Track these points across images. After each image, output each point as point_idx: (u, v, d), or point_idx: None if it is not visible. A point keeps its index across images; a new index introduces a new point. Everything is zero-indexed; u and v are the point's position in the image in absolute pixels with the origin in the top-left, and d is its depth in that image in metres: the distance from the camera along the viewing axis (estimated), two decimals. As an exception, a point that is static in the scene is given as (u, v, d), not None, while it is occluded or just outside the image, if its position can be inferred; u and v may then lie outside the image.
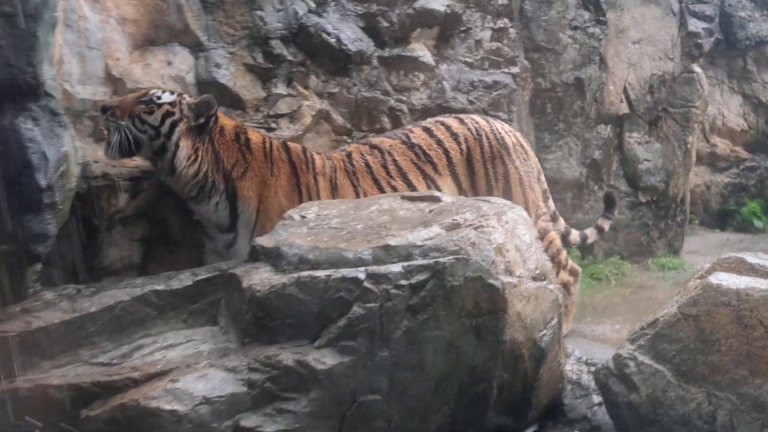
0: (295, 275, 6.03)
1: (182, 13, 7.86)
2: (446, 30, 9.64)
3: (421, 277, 5.94)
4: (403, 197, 7.22)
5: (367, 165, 7.94)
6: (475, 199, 7.32)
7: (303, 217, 6.83)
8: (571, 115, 11.26)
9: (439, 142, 8.13)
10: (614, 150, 11.58)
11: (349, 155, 7.98)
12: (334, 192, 7.80)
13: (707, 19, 12.32)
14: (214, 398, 5.65)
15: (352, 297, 5.90)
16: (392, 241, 6.16)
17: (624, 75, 11.57)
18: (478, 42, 9.94)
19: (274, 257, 6.26)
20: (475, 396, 6.12)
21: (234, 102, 8.28)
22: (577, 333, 8.25)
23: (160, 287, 6.42)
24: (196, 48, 8.07)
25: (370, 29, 9.07)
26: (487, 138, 8.26)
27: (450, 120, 8.35)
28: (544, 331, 6.39)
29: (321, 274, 6.00)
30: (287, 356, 5.83)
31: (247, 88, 8.37)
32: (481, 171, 8.23)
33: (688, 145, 12.01)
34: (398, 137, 8.13)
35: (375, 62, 9.08)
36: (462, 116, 8.49)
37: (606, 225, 9.79)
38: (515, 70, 10.11)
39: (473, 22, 9.89)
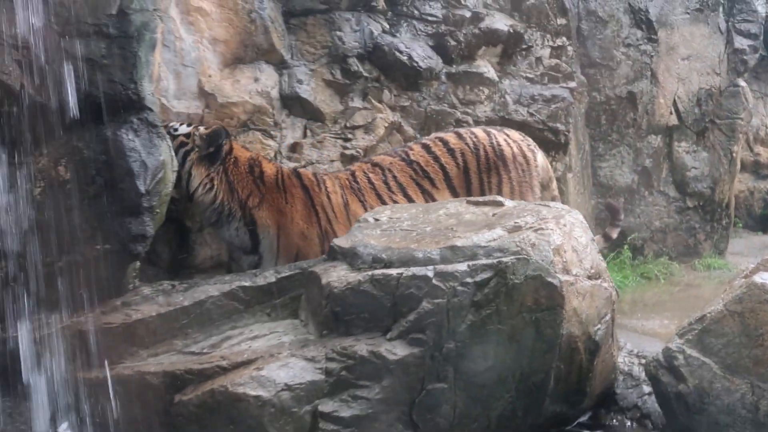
0: (370, 273, 6.04)
1: (268, 34, 7.89)
2: (509, 48, 9.59)
3: (485, 275, 5.92)
4: (469, 202, 7.20)
5: (370, 182, 7.79)
6: (536, 203, 7.27)
7: (376, 219, 6.83)
8: (623, 126, 11.18)
9: (436, 158, 7.94)
10: (664, 158, 11.46)
11: (353, 174, 7.81)
12: (346, 208, 7.73)
13: (752, 37, 12.14)
14: (295, 385, 5.67)
15: (422, 293, 5.88)
16: (458, 242, 6.14)
17: (673, 89, 11.45)
18: (538, 59, 9.88)
19: (350, 256, 6.26)
20: (533, 385, 6.09)
21: (314, 115, 8.30)
22: (629, 327, 8.17)
23: (246, 283, 6.44)
24: (281, 65, 8.10)
25: (439, 47, 9.05)
26: (485, 150, 8.05)
27: (448, 135, 8.13)
28: (599, 326, 6.34)
29: (393, 272, 5.99)
30: (362, 347, 5.84)
31: (327, 101, 8.38)
32: (477, 182, 8.04)
33: (734, 154, 11.86)
34: (398, 155, 7.95)
35: (443, 78, 9.06)
36: (462, 131, 8.30)
37: (614, 233, 9.54)
38: (572, 84, 10.03)
39: (534, 41, 9.83)
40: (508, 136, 8.25)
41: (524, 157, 8.30)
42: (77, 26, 6.11)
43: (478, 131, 8.25)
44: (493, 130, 8.26)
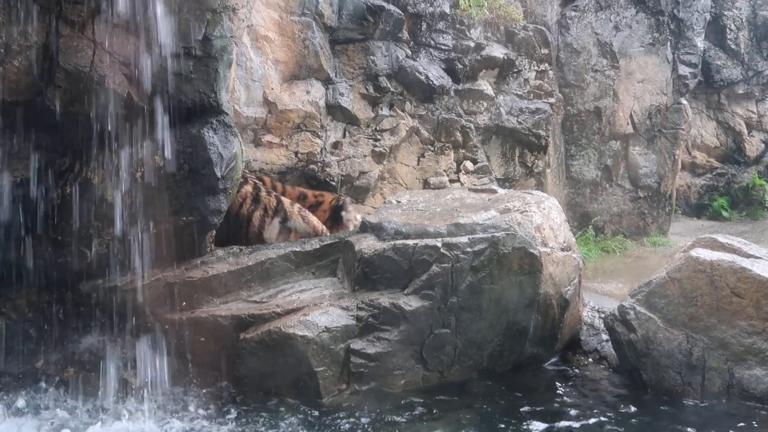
0: (392, 243, 6.04)
1: (318, 57, 7.85)
2: (503, 71, 9.50)
3: (481, 246, 5.92)
4: (470, 189, 7.20)
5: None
6: (522, 192, 7.24)
7: (398, 201, 6.82)
8: (591, 133, 11.07)
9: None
10: (622, 159, 11.32)
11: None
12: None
13: (692, 66, 11.97)
14: (333, 328, 5.71)
15: (432, 259, 5.90)
16: (462, 220, 6.14)
17: (630, 105, 11.31)
18: (526, 80, 9.78)
19: (377, 230, 6.25)
20: (517, 332, 6.09)
21: (352, 120, 8.26)
22: (592, 289, 8.10)
23: (297, 249, 6.41)
24: (327, 82, 8.05)
25: (450, 70, 8.98)
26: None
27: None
28: (569, 287, 6.32)
29: (410, 242, 6.00)
30: (385, 300, 5.86)
31: (361, 110, 8.33)
32: None
33: (676, 157, 11.72)
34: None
35: (452, 93, 8.98)
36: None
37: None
38: (552, 100, 9.93)
39: (523, 66, 9.73)
40: None
41: None
42: (172, 48, 6.08)
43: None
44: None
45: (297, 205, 6.93)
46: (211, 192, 6.25)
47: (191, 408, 5.43)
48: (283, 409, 5.46)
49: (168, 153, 6.14)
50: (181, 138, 6.20)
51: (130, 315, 5.93)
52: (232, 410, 5.42)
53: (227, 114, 6.46)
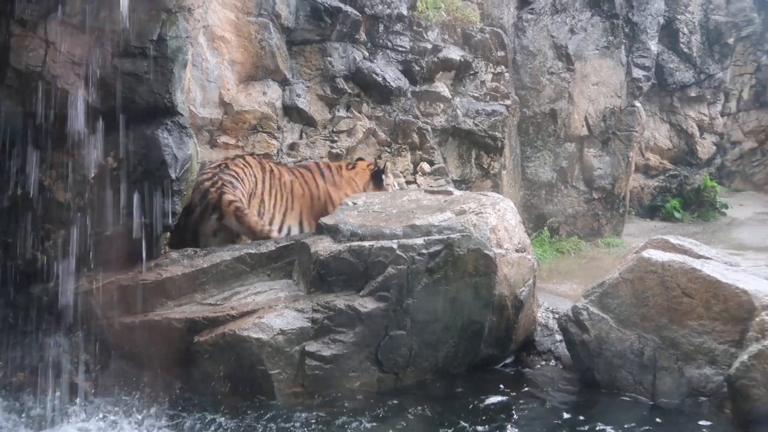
0: (348, 244, 6.03)
1: (275, 58, 7.78)
2: (460, 73, 9.52)
3: (437, 247, 5.93)
4: (426, 191, 7.21)
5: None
6: (478, 193, 7.27)
7: (355, 203, 6.80)
8: (546, 135, 11.14)
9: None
10: (576, 161, 11.41)
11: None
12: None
13: (646, 69, 12.10)
14: (288, 330, 5.67)
15: (388, 261, 5.89)
16: (417, 222, 6.14)
17: (585, 107, 11.40)
18: (482, 82, 9.80)
19: (333, 231, 6.23)
20: (472, 333, 6.11)
21: (309, 121, 8.22)
22: (546, 290, 8.15)
23: (252, 251, 6.35)
24: (284, 83, 8.00)
25: (407, 71, 8.97)
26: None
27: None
28: (523, 288, 6.35)
29: (366, 244, 5.99)
30: (340, 302, 5.83)
31: (318, 111, 8.29)
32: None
33: (629, 158, 11.84)
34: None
35: (409, 95, 8.98)
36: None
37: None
38: (508, 102, 9.96)
39: (479, 68, 9.75)
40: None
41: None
42: (126, 48, 6.02)
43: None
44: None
45: (236, 205, 6.70)
46: (165, 194, 6.20)
47: (144, 411, 5.35)
48: (237, 411, 5.41)
49: (121, 154, 6.09)
50: (135, 139, 6.14)
51: (82, 318, 5.84)
52: (186, 413, 5.36)
53: (182, 115, 6.42)
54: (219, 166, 7.07)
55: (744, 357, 5.23)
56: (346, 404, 5.59)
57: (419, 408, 5.57)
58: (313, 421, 5.31)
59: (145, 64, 6.12)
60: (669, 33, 14.32)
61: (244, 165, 7.21)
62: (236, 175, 7.04)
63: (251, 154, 7.61)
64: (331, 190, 7.74)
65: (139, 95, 6.15)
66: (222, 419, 5.29)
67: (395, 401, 5.68)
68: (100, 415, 5.29)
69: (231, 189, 6.82)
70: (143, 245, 6.04)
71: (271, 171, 7.45)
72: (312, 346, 5.69)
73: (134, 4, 5.93)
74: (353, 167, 8.02)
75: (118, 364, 5.67)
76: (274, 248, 6.38)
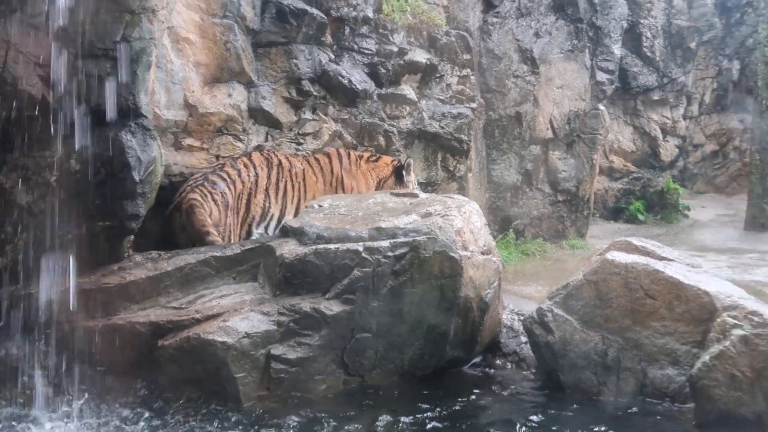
0: (314, 247, 6.00)
1: (240, 60, 7.74)
2: (426, 76, 9.53)
3: (402, 250, 5.93)
4: (392, 194, 7.21)
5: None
6: (443, 195, 7.30)
7: (320, 206, 6.79)
8: (511, 138, 11.18)
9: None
10: (541, 163, 11.47)
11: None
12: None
13: (610, 72, 12.20)
14: (253, 333, 5.64)
15: (354, 263, 5.88)
16: (383, 224, 6.14)
17: (550, 110, 11.48)
18: (448, 85, 9.83)
19: (299, 234, 6.21)
20: (437, 335, 6.11)
21: (274, 124, 8.17)
22: (512, 292, 8.16)
23: (217, 254, 6.32)
24: (249, 85, 7.95)
25: (373, 74, 8.96)
26: None
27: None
28: (489, 290, 6.37)
29: (332, 246, 5.97)
30: (306, 305, 5.82)
31: (284, 114, 8.25)
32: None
33: (594, 161, 11.93)
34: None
35: (375, 97, 8.97)
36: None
37: None
38: (474, 105, 9.99)
39: (445, 71, 9.77)
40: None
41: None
42: (89, 50, 5.96)
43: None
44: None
45: (191, 203, 6.80)
46: (128, 196, 6.17)
47: (107, 416, 5.31)
48: (202, 416, 5.37)
49: (84, 156, 6.03)
50: (98, 141, 6.08)
51: (44, 322, 5.77)
52: (149, 418, 5.32)
53: (146, 117, 6.37)
54: (216, 165, 7.31)
55: (706, 358, 5.30)
56: (311, 407, 5.56)
57: (385, 410, 5.56)
58: (279, 424, 5.30)
59: (108, 66, 6.06)
60: (632, 37, 14.45)
61: (245, 165, 7.44)
62: (227, 176, 7.22)
63: (260, 152, 7.83)
64: (345, 176, 8.02)
65: (102, 97, 6.07)
66: (186, 423, 5.25)
67: (361, 404, 5.68)
68: (64, 421, 5.22)
69: (205, 188, 6.96)
70: (106, 248, 5.99)
71: (280, 164, 7.71)
72: (277, 350, 5.66)
73: (97, 5, 5.88)
74: (376, 160, 8.38)
75: (81, 369, 5.59)
76: (239, 251, 6.35)
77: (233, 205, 7.24)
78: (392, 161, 8.49)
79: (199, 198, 6.87)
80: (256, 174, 7.46)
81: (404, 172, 8.34)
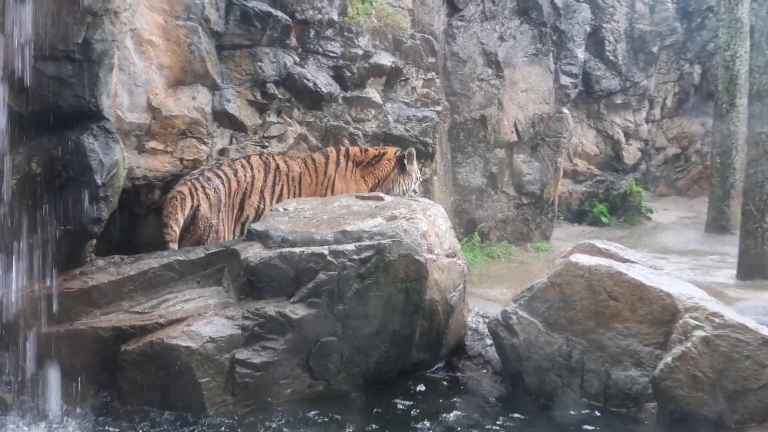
0: (278, 251, 5.99)
1: (204, 62, 7.69)
2: (391, 79, 9.53)
3: (368, 253, 5.93)
4: (357, 197, 7.20)
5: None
6: (408, 199, 7.31)
7: (285, 209, 6.77)
8: (476, 141, 11.22)
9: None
10: (506, 166, 11.52)
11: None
12: None
13: (573, 76, 12.31)
14: (218, 338, 5.62)
15: (319, 267, 5.87)
16: (348, 228, 6.13)
17: (515, 114, 11.54)
18: (413, 88, 9.84)
19: (263, 237, 6.19)
20: (403, 338, 6.12)
21: (239, 127, 8.13)
22: (477, 294, 8.19)
23: (181, 257, 6.29)
24: (213, 87, 7.90)
25: (338, 77, 8.95)
26: None
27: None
28: (454, 293, 6.38)
29: (297, 250, 5.96)
30: (271, 308, 5.80)
31: (249, 117, 8.21)
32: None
33: (558, 164, 12.00)
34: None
35: (340, 100, 8.96)
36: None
37: None
38: (439, 108, 10.01)
39: (410, 74, 9.79)
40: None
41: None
42: (50, 51, 5.89)
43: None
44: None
45: (170, 196, 7.05)
46: (91, 200, 6.10)
47: (69, 423, 5.25)
48: (165, 421, 5.33)
49: (45, 160, 5.96)
50: (59, 144, 6.03)
51: (5, 328, 5.68)
52: (112, 424, 5.26)
53: (108, 120, 6.32)
54: (214, 164, 7.53)
55: (668, 359, 5.36)
56: (277, 412, 5.55)
57: (350, 414, 5.56)
58: (243, 429, 5.27)
59: (69, 68, 6.02)
60: (596, 41, 14.58)
61: (242, 165, 7.61)
62: (223, 174, 7.40)
63: (259, 154, 7.97)
64: (337, 179, 8.09)
65: (63, 99, 6.04)
66: (150, 429, 5.21)
67: (326, 408, 5.66)
68: (25, 428, 5.15)
69: (199, 182, 7.15)
70: (69, 253, 5.92)
71: (277, 168, 7.81)
72: (242, 354, 5.64)
73: (58, 7, 5.81)
74: (378, 160, 8.42)
75: (42, 375, 5.52)
76: (203, 255, 6.31)
77: (226, 202, 7.35)
78: (395, 153, 8.52)
79: (186, 192, 7.04)
80: (253, 175, 7.59)
81: (405, 162, 8.42)
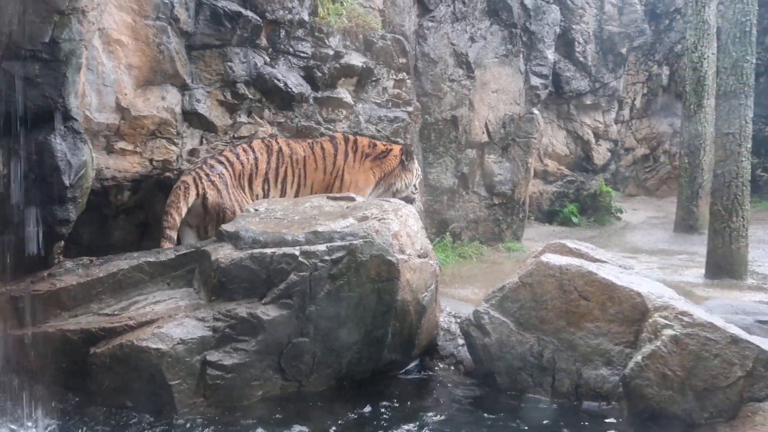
0: (249, 252, 5.96)
1: (174, 62, 7.63)
2: (362, 79, 9.53)
3: (339, 254, 5.92)
4: (329, 197, 7.19)
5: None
6: (380, 199, 7.32)
7: (256, 210, 6.74)
8: (448, 141, 11.26)
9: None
10: (477, 167, 11.58)
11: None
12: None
13: (544, 77, 12.39)
14: (188, 339, 5.57)
15: (290, 268, 5.85)
16: (320, 228, 6.12)
17: (485, 114, 11.59)
18: (385, 88, 9.85)
19: (234, 238, 6.16)
20: (375, 339, 6.11)
21: (209, 127, 8.07)
22: (449, 295, 8.21)
23: (151, 259, 6.24)
24: (183, 88, 7.84)
25: (309, 77, 8.92)
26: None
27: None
28: (426, 294, 6.38)
29: (268, 251, 5.93)
30: (242, 310, 5.77)
31: (219, 117, 8.16)
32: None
33: (528, 165, 12.08)
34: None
35: (311, 101, 8.94)
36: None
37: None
38: (410, 109, 10.04)
39: (381, 75, 9.80)
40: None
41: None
42: (16, 51, 5.81)
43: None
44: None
45: (182, 179, 7.25)
46: (59, 201, 6.04)
47: (38, 426, 5.18)
48: (136, 424, 5.28)
49: (12, 160, 5.88)
50: (26, 145, 5.94)
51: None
52: (81, 427, 5.20)
53: (76, 120, 6.24)
54: (216, 152, 7.63)
55: (638, 357, 5.40)
56: (248, 414, 5.51)
57: (322, 415, 5.54)
58: (214, 431, 5.23)
59: (36, 68, 5.93)
60: (565, 42, 14.70)
61: (243, 150, 7.72)
62: (225, 159, 7.51)
63: (261, 138, 8.12)
64: (346, 170, 8.19)
65: (30, 99, 5.94)
66: (120, 432, 5.17)
67: (298, 409, 5.64)
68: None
69: (202, 170, 7.27)
70: (36, 254, 5.84)
71: (280, 150, 7.92)
72: (213, 356, 5.60)
73: (24, 5, 5.73)
74: (386, 155, 8.57)
75: (9, 378, 5.45)
76: (173, 256, 6.27)
77: (234, 184, 7.44)
78: (400, 150, 8.64)
79: (190, 181, 7.16)
80: (255, 158, 7.69)
81: (405, 158, 8.56)
